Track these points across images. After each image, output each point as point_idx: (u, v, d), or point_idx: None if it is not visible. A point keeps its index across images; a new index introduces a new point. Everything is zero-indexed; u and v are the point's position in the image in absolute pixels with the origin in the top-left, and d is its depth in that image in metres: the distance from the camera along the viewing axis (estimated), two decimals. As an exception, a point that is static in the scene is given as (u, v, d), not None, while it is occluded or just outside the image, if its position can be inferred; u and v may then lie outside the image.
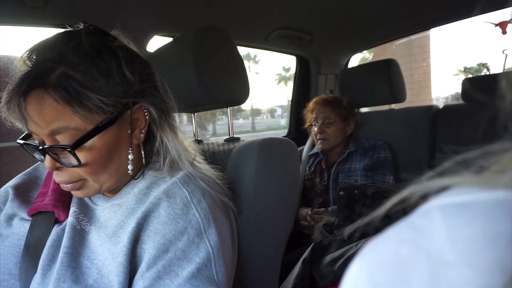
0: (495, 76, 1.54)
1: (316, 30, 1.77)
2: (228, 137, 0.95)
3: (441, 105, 1.69)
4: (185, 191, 0.60)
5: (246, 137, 0.92)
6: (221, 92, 0.85)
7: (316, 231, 1.21)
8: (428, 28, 2.01)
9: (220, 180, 0.70)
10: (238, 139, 0.92)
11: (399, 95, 1.69)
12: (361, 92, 1.75)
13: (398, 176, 1.53)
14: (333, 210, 1.41)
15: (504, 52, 1.60)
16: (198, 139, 0.99)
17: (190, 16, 1.37)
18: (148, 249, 0.56)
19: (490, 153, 0.21)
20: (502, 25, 1.52)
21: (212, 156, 0.77)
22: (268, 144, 0.78)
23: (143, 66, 0.62)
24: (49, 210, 0.66)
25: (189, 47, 0.82)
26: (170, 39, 1.32)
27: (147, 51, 1.31)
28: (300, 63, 2.15)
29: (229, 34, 0.85)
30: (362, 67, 2.01)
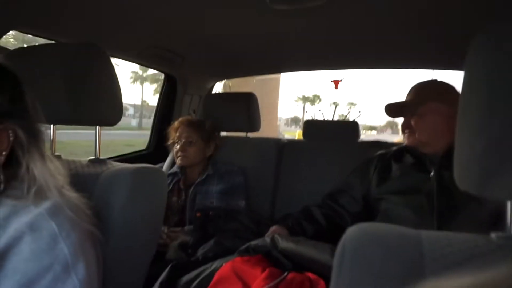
0: (328, 123, 1.91)
1: (188, 54, 1.83)
2: (93, 157, 0.88)
3: (283, 129, 1.99)
4: (53, 223, 0.55)
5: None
6: (89, 111, 0.81)
7: (171, 249, 1.22)
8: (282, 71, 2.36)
9: (88, 209, 0.65)
10: (105, 161, 0.87)
11: (254, 125, 1.90)
12: (223, 117, 1.88)
13: (248, 201, 1.67)
14: (189, 229, 1.45)
15: (334, 104, 2.04)
16: (57, 154, 0.89)
17: (57, 17, 1.22)
18: None
19: None
20: (335, 82, 1.96)
21: (75, 178, 0.70)
22: (140, 173, 0.80)
23: (13, 84, 0.57)
24: None
25: (61, 59, 0.78)
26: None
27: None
28: (168, 81, 2.17)
29: (106, 53, 0.83)
30: (226, 95, 2.17)
